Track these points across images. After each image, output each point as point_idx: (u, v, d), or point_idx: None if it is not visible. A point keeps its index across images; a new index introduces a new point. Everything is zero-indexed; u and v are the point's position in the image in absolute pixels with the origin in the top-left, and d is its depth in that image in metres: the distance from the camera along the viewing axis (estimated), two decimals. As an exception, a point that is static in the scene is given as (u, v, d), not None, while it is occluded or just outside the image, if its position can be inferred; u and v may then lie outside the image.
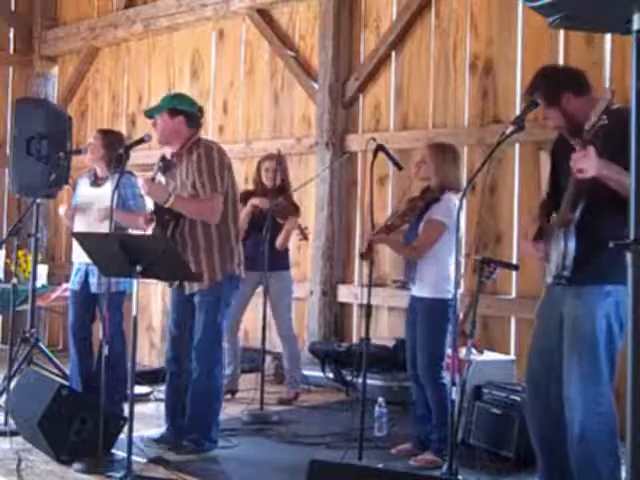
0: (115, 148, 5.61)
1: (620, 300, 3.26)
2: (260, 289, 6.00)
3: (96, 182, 5.60)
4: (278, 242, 6.03)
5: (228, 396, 6.20)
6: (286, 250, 6.23)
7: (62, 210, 5.63)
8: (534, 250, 3.61)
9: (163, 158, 4.77)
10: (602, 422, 3.30)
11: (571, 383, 3.34)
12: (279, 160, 6.14)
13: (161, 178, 4.72)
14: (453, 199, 4.57)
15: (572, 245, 3.31)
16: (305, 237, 6.14)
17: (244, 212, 5.90)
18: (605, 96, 3.13)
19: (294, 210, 6.13)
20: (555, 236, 3.38)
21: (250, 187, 6.44)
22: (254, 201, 6.05)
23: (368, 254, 4.66)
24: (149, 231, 4.77)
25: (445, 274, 4.53)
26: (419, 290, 4.63)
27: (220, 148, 4.74)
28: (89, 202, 5.50)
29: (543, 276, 3.59)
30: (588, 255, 3.27)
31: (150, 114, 4.80)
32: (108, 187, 5.42)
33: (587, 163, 3.08)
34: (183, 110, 4.72)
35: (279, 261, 6.11)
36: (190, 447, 4.56)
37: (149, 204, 5.03)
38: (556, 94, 3.45)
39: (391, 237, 4.74)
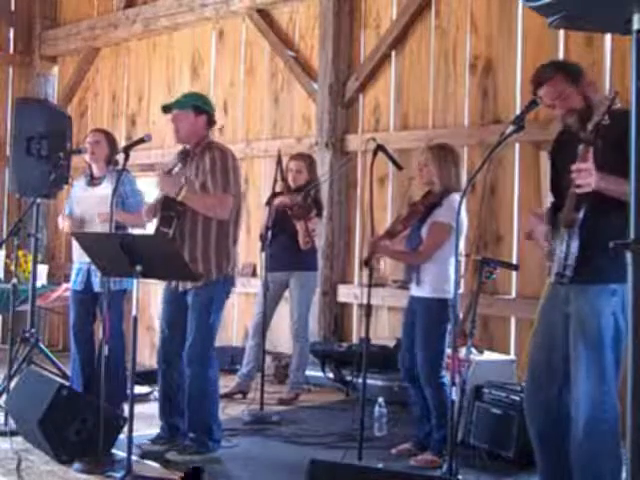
0: (116, 148, 5.65)
1: (626, 299, 3.25)
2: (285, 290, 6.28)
3: (92, 182, 5.61)
4: (300, 242, 6.08)
5: (239, 396, 6.22)
6: (312, 251, 6.23)
7: (62, 224, 5.62)
8: (542, 236, 3.55)
9: (183, 150, 4.73)
10: (606, 422, 3.30)
11: (578, 381, 3.34)
12: (307, 160, 6.26)
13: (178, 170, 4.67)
14: (457, 200, 4.55)
15: (575, 245, 3.31)
16: (310, 239, 6.13)
17: (267, 213, 5.93)
18: (608, 96, 3.13)
19: (306, 212, 6.10)
20: (559, 235, 3.38)
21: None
22: (276, 202, 6.04)
23: (370, 260, 4.66)
24: (151, 223, 4.76)
25: (445, 274, 4.53)
26: (419, 290, 4.63)
27: (233, 153, 4.75)
28: (86, 208, 5.50)
29: (547, 274, 3.58)
30: (592, 254, 3.27)
31: (171, 107, 4.73)
32: (105, 186, 5.44)
33: (588, 179, 3.10)
34: (207, 111, 4.74)
35: (303, 261, 6.18)
36: (194, 447, 4.56)
37: (150, 200, 5.01)
38: (579, 72, 3.46)
39: (393, 246, 4.73)
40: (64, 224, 5.60)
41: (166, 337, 4.72)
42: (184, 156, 4.69)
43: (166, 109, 4.76)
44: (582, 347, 3.35)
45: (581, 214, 3.31)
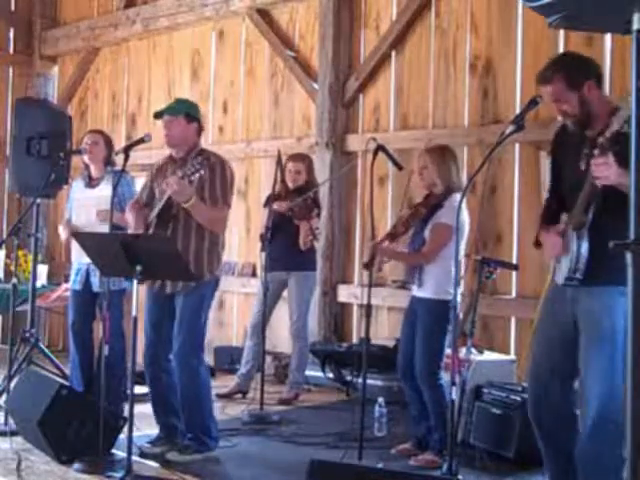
0: (113, 148, 5.65)
1: None
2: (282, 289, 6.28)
3: (90, 183, 5.61)
4: (300, 242, 6.08)
5: (239, 396, 6.22)
6: (311, 251, 6.24)
7: (62, 233, 5.63)
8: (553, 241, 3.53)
9: (202, 161, 4.61)
10: (614, 421, 3.29)
11: (588, 382, 3.34)
12: (306, 161, 6.25)
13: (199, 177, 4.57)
14: (458, 200, 4.55)
15: (585, 247, 3.30)
16: (314, 238, 6.14)
17: (267, 214, 5.92)
18: (628, 105, 3.11)
19: (308, 212, 6.10)
20: (568, 238, 3.37)
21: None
22: (275, 206, 6.02)
23: (371, 264, 4.66)
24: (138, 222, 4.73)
25: (448, 275, 4.50)
26: (421, 291, 4.63)
27: (228, 162, 4.77)
28: (84, 210, 5.50)
29: (551, 272, 3.56)
30: (602, 256, 3.25)
31: (162, 114, 4.72)
32: (103, 187, 5.44)
33: (607, 171, 3.08)
34: (197, 119, 4.76)
35: (302, 261, 6.18)
36: (194, 447, 4.56)
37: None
38: (581, 78, 3.37)
39: (395, 248, 4.73)
40: (65, 232, 5.58)
41: (152, 340, 4.69)
42: (202, 163, 4.54)
43: (158, 115, 4.77)
44: (593, 348, 3.34)
45: (590, 215, 3.31)
